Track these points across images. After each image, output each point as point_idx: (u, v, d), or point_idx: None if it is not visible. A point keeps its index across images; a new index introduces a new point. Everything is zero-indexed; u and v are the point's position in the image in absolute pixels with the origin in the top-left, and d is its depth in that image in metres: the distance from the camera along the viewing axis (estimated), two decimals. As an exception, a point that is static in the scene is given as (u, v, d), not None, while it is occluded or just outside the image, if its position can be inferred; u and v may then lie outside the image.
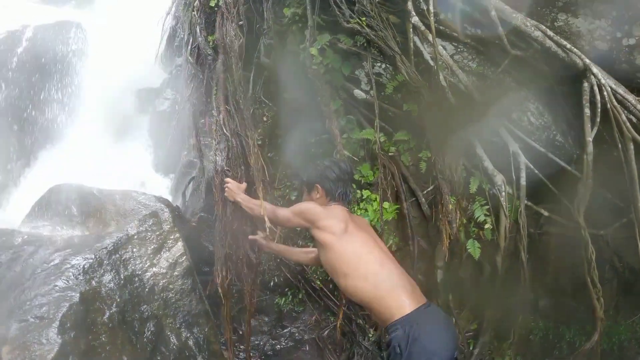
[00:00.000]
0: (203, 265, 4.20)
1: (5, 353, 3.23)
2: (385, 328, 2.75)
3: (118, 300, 3.65)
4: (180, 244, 3.93)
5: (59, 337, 3.27)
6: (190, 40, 4.64)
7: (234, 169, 3.44)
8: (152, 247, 3.90)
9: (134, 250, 3.86)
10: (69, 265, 3.68)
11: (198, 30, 4.55)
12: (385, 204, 3.90)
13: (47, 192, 4.60)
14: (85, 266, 3.66)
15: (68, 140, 5.11)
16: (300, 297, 4.06)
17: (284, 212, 3.15)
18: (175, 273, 3.88)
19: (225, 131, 3.42)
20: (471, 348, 4.16)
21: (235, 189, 3.40)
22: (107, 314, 3.58)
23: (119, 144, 5.16)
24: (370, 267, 2.78)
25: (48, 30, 5.26)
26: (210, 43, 4.44)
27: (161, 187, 4.76)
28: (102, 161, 4.99)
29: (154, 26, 5.56)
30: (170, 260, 3.89)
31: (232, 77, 3.55)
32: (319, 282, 3.99)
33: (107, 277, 3.70)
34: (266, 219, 3.19)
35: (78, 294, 3.48)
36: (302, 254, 3.50)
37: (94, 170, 4.80)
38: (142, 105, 5.33)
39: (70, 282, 3.57)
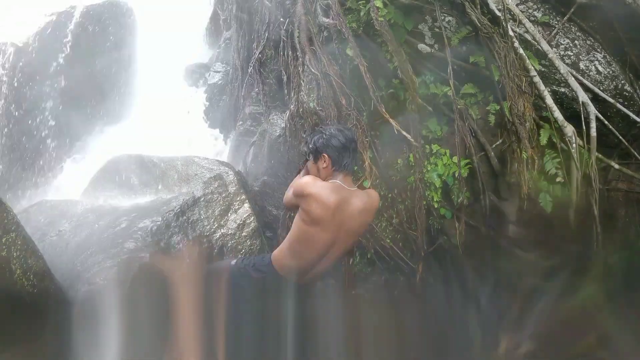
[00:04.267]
0: (267, 230, 3.95)
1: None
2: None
3: (188, 261, 3.43)
4: (247, 205, 3.69)
5: (132, 298, 3.03)
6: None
7: (326, 109, 3.24)
8: (219, 209, 3.67)
9: (201, 212, 3.63)
10: (136, 228, 3.44)
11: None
12: (455, 159, 3.65)
13: (104, 165, 4.38)
14: (153, 228, 3.41)
15: (120, 117, 4.91)
16: (368, 256, 3.78)
17: (289, 193, 3.06)
18: (244, 234, 3.64)
19: (313, 70, 3.21)
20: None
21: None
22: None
23: (170, 117, 4.93)
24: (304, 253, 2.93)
25: (97, 10, 5.07)
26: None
27: (216, 157, 4.52)
28: (154, 135, 4.76)
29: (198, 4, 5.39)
30: (238, 222, 3.65)
31: (313, 19, 3.34)
32: (388, 241, 3.71)
33: (176, 239, 3.48)
34: None
35: (148, 255, 3.25)
36: None
37: (148, 143, 4.58)
38: (193, 79, 5.12)
39: (139, 243, 3.33)
